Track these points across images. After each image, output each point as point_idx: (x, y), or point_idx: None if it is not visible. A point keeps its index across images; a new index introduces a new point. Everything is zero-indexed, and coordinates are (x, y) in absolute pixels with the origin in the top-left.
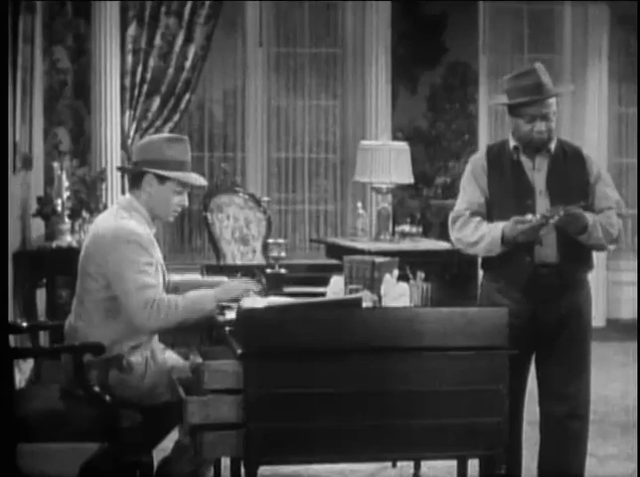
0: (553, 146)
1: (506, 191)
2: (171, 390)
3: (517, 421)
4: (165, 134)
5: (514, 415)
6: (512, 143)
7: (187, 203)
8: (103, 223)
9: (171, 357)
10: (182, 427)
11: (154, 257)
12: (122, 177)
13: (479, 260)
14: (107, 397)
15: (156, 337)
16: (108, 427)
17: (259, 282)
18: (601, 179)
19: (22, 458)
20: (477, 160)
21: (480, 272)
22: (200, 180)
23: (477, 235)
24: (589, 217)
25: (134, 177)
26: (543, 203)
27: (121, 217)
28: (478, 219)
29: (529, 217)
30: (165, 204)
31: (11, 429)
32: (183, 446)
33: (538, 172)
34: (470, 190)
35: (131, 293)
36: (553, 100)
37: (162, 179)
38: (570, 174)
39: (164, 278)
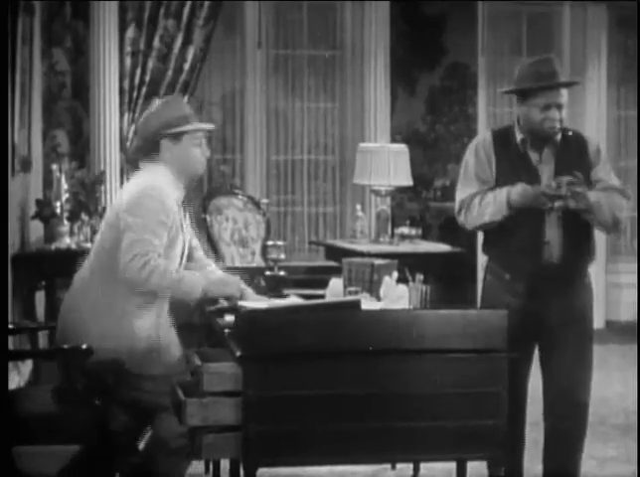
0: (558, 137)
1: (513, 183)
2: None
3: (519, 421)
4: (156, 102)
5: (515, 415)
6: (519, 136)
7: (209, 152)
8: (129, 185)
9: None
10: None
11: (170, 219)
12: (121, 179)
13: (479, 262)
14: (97, 401)
15: (165, 308)
16: (97, 429)
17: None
18: (602, 164)
19: (18, 460)
20: (483, 147)
21: (479, 275)
22: (209, 124)
23: (484, 202)
24: (593, 196)
25: (150, 151)
26: None
27: (148, 178)
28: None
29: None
30: (189, 159)
31: (8, 431)
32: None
33: (545, 165)
34: (481, 180)
35: (129, 241)
36: (565, 91)
37: (176, 138)
38: (576, 165)
39: (183, 247)
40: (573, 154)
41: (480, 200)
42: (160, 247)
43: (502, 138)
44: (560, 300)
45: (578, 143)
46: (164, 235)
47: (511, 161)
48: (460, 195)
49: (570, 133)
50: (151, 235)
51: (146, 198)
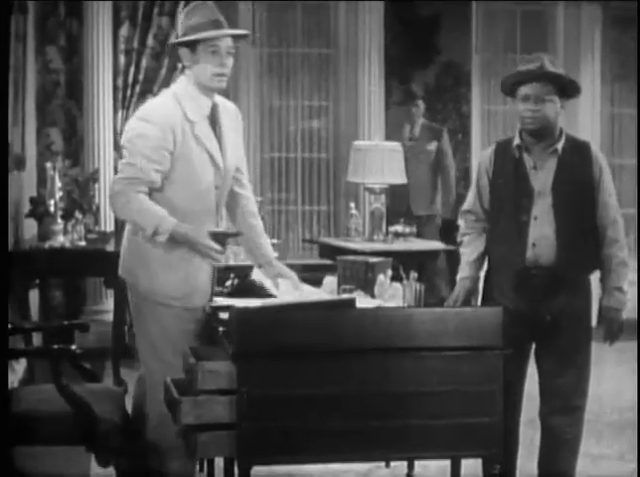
0: (560, 146)
1: (506, 189)
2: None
3: (513, 420)
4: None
5: (510, 413)
6: (516, 141)
7: (226, 67)
8: None
9: None
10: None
11: (168, 140)
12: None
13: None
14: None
15: None
16: (86, 431)
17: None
18: (602, 182)
19: (17, 459)
20: (484, 159)
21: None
22: (225, 30)
23: (464, 248)
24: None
25: (176, 58)
26: (542, 204)
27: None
28: (470, 236)
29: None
30: (203, 71)
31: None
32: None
33: (540, 171)
34: (474, 191)
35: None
36: (547, 85)
37: (189, 47)
38: (577, 176)
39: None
40: (576, 163)
41: (465, 244)
42: (143, 171)
43: (503, 146)
44: (551, 302)
45: (583, 153)
46: (157, 156)
47: (505, 167)
48: (466, 201)
49: (576, 141)
50: (138, 156)
51: (141, 121)
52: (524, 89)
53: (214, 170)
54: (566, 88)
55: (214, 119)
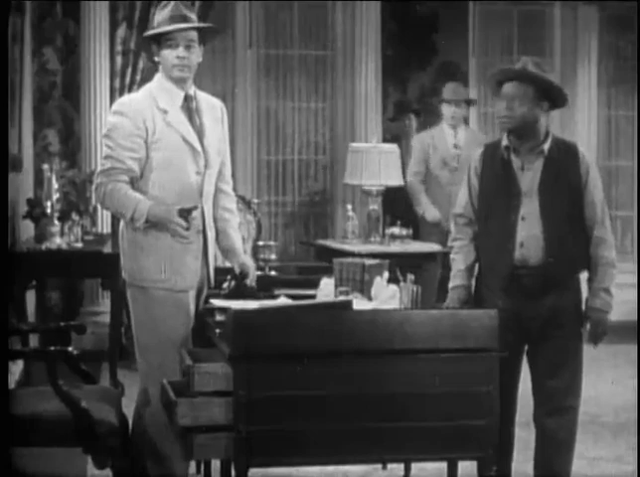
0: (546, 147)
1: (494, 190)
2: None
3: (508, 421)
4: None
5: (505, 415)
6: (504, 142)
7: (186, 58)
8: None
9: None
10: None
11: (140, 128)
12: None
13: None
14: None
15: None
16: (83, 432)
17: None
18: (589, 182)
19: (15, 460)
20: (474, 160)
21: None
22: (177, 24)
23: (455, 254)
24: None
25: (150, 54)
26: (529, 204)
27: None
28: (461, 242)
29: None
30: (165, 63)
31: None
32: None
33: (527, 172)
34: (465, 193)
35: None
36: (528, 86)
37: (155, 41)
38: (564, 176)
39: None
40: (563, 164)
41: (456, 250)
42: (121, 158)
43: (492, 147)
44: (540, 302)
45: (569, 154)
46: (130, 144)
47: (494, 167)
48: (457, 203)
49: (563, 143)
50: (115, 149)
51: (113, 115)
52: (503, 88)
53: (192, 155)
54: (551, 93)
55: (190, 109)
